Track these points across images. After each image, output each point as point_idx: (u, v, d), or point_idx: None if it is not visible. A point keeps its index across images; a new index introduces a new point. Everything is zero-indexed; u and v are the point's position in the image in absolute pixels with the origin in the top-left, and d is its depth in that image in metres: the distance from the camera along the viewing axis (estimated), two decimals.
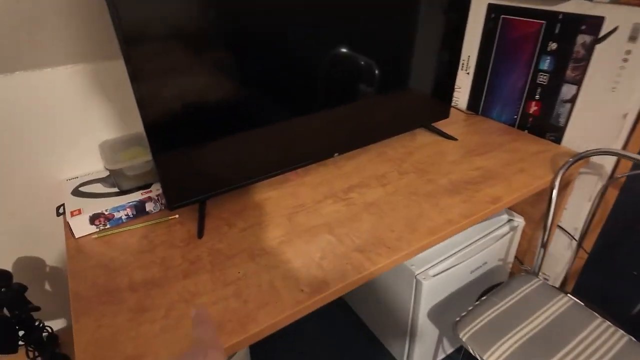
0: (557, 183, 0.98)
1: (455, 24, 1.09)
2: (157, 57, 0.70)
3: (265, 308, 0.67)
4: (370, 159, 1.11)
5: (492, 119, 1.31)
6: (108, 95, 0.94)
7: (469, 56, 1.32)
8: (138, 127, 1.00)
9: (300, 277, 0.73)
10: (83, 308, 0.67)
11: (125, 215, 0.87)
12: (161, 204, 0.91)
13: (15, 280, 0.99)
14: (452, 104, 1.42)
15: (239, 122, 0.85)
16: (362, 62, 1.00)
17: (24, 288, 0.80)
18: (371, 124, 1.07)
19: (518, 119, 1.24)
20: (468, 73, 1.34)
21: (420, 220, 0.85)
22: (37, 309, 0.83)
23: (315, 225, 0.85)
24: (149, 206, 0.89)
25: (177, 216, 0.89)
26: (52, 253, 1.02)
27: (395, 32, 0.99)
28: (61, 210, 0.87)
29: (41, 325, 0.86)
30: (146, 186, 0.91)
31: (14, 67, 0.81)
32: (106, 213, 0.85)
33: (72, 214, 0.82)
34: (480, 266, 1.18)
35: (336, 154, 1.04)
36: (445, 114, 1.23)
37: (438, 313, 1.16)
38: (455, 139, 1.19)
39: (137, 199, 0.87)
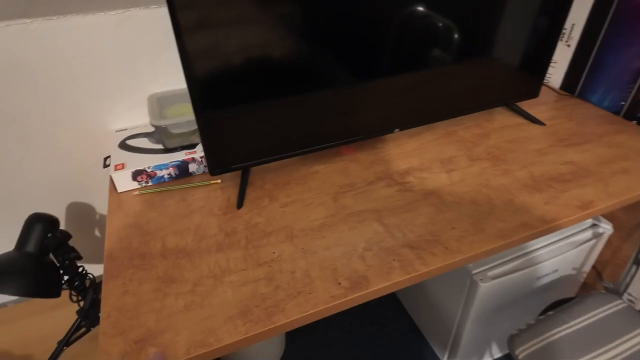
0: None
1: None
2: (204, 1, 0.61)
3: (296, 298, 0.60)
4: (436, 138, 0.97)
5: (591, 103, 1.10)
6: (161, 44, 0.88)
7: (573, 25, 1.09)
8: None
9: (339, 268, 0.65)
10: (114, 270, 0.65)
11: (168, 174, 0.84)
12: (204, 166, 0.86)
13: (65, 225, 1.02)
14: (545, 82, 1.21)
15: (293, 84, 0.75)
16: (440, 24, 0.85)
17: (68, 236, 0.81)
18: (442, 97, 0.93)
19: (626, 106, 1.02)
20: (569, 45, 1.12)
21: (489, 220, 0.73)
22: (80, 257, 0.84)
23: (363, 210, 0.76)
24: (192, 167, 0.85)
25: (219, 181, 0.84)
26: (100, 201, 1.03)
27: None
28: (107, 162, 0.85)
29: (84, 272, 0.88)
30: (191, 146, 0.86)
31: (66, 9, 0.78)
32: (148, 170, 0.82)
33: (115, 168, 0.80)
34: (550, 273, 1.03)
35: (397, 130, 0.92)
36: (534, 93, 1.04)
37: (491, 318, 1.04)
38: (543, 124, 1.01)
39: (180, 159, 0.83)
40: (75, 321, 0.91)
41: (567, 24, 1.11)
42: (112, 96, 0.91)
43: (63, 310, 0.89)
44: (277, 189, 0.82)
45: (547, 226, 0.71)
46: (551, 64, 1.18)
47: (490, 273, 0.93)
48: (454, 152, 0.92)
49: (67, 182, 0.97)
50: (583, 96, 1.12)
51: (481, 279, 0.92)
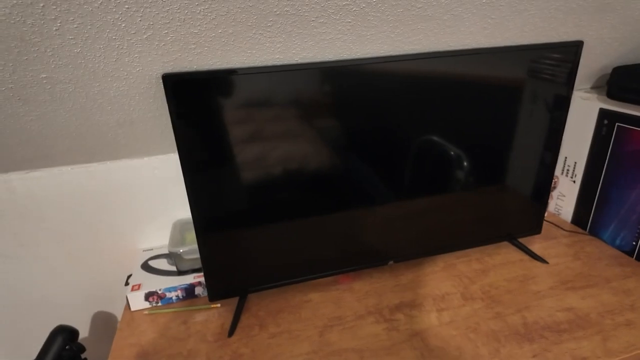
0: None
1: (553, 125, 0.93)
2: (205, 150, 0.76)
3: None
4: (435, 271, 0.99)
5: (603, 240, 1.07)
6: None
7: (575, 162, 1.13)
8: None
9: None
10: None
11: (176, 296, 0.93)
12: None
13: (89, 332, 1.12)
14: (555, 213, 1.22)
15: (295, 210, 0.84)
16: (452, 153, 0.93)
17: (83, 349, 0.90)
18: (444, 229, 0.97)
19: (638, 247, 0.99)
20: (574, 181, 1.14)
21: None
22: None
23: (346, 349, 0.78)
24: (198, 290, 0.94)
25: (219, 305, 0.91)
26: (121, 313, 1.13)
27: (488, 125, 0.90)
28: (128, 281, 0.96)
29: None
30: (200, 269, 0.96)
31: (118, 155, 0.97)
32: (159, 292, 0.91)
33: (132, 288, 0.91)
34: None
35: (391, 262, 0.96)
36: (536, 229, 1.05)
37: None
38: (546, 262, 1.00)
39: (188, 282, 0.92)
40: None
41: (570, 162, 1.15)
42: (145, 220, 1.06)
43: None
44: (270, 317, 0.87)
45: None
46: (559, 198, 1.20)
47: None
48: (449, 288, 0.93)
49: (96, 293, 1.09)
50: (594, 232, 1.10)
51: None
